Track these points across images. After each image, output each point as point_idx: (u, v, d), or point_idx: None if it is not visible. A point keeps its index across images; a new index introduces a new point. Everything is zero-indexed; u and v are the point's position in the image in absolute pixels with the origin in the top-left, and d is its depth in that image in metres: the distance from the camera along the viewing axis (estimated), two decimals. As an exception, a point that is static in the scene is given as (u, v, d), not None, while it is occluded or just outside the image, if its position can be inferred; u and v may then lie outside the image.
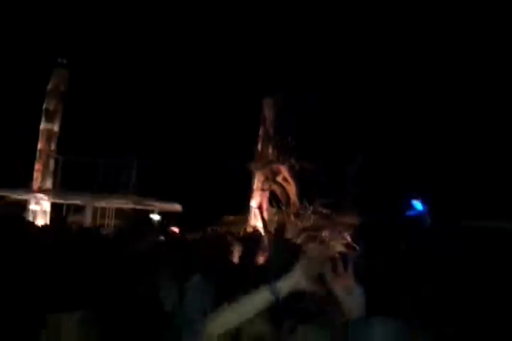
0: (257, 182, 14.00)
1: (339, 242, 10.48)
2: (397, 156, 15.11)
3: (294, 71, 15.35)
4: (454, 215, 12.21)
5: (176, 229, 9.07)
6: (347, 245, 10.02)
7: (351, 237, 10.90)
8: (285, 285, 1.64)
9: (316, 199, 12.65)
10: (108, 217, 13.05)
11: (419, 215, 13.43)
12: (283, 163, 13.74)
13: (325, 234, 11.39)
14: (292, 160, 13.68)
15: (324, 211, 12.38)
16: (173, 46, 18.38)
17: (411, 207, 14.10)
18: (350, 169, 13.34)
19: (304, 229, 11.39)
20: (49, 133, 13.54)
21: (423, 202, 13.25)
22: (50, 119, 13.60)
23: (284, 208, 13.21)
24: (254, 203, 13.78)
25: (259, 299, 1.61)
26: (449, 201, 13.89)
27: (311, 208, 12.61)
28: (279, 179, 13.93)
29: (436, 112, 16.09)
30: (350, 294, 1.62)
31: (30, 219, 11.35)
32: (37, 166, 13.18)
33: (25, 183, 12.77)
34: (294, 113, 14.32)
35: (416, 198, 13.76)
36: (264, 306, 1.58)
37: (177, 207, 12.44)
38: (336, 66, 16.42)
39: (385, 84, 16.46)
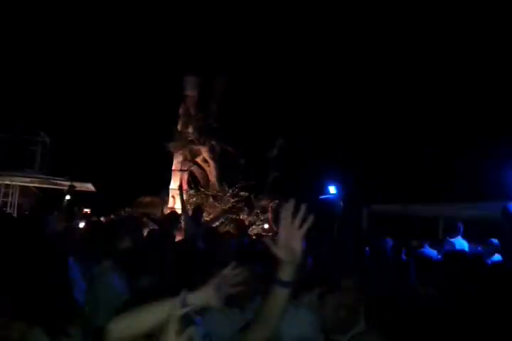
0: (175, 163, 13.64)
1: (256, 225, 10.63)
2: (318, 141, 15.53)
3: (218, 50, 15.07)
4: (365, 200, 12.91)
5: (87, 211, 8.62)
6: (265, 228, 10.18)
7: (269, 220, 11.09)
8: (196, 300, 1.55)
9: (235, 182, 12.65)
10: (12, 195, 12.05)
11: (333, 199, 13.97)
12: (203, 144, 13.51)
13: (243, 216, 11.47)
14: (213, 142, 13.50)
15: (243, 194, 12.44)
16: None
17: (326, 191, 14.62)
18: (270, 153, 13.51)
19: (223, 212, 11.37)
20: None
21: (337, 187, 13.77)
22: None
23: (203, 190, 13.06)
24: (172, 184, 13.45)
25: (163, 310, 1.48)
26: (362, 187, 14.61)
27: (230, 191, 12.60)
28: (199, 160, 13.71)
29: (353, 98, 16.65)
30: None
31: None
32: None
33: None
34: (216, 93, 14.05)
35: (331, 183, 14.28)
36: (168, 318, 1.41)
37: (89, 187, 11.79)
38: (258, 46, 16.37)
39: (305, 65, 16.68)
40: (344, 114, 16.56)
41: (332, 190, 14.10)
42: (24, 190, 12.50)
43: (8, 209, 10.71)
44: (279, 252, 1.52)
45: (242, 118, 13.68)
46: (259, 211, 12.01)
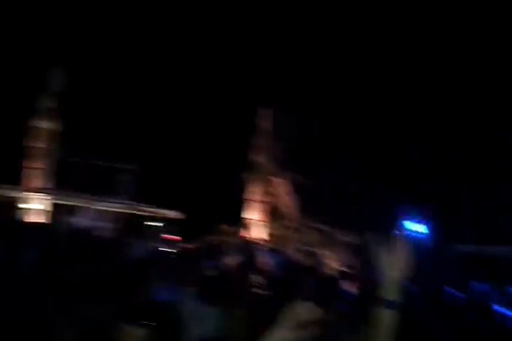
0: (250, 193, 13.70)
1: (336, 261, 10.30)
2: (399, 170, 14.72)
3: (291, 83, 15.17)
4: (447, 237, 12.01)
5: (175, 238, 8.91)
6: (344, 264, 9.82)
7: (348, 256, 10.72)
8: None
9: (315, 215, 12.47)
10: (105, 220, 12.82)
11: (421, 238, 13.19)
12: (279, 176, 13.53)
13: (323, 251, 11.20)
14: (290, 173, 13.46)
15: (324, 227, 12.21)
16: (172, 56, 18.35)
17: (407, 227, 13.84)
18: (350, 185, 13.19)
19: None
20: (48, 132, 13.34)
21: (427, 225, 12.91)
22: (47, 118, 13.38)
23: (283, 222, 13.01)
24: (246, 214, 13.50)
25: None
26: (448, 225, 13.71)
27: (311, 224, 12.42)
28: (276, 191, 13.71)
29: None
30: None
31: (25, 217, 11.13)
32: (34, 165, 12.95)
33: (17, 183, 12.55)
34: (291, 125, 14.02)
35: (413, 217, 13.51)
36: None
37: (177, 215, 12.27)
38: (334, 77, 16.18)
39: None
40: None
41: (417, 227, 13.35)
42: (116, 216, 13.26)
43: (99, 232, 11.40)
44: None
45: (318, 149, 13.54)
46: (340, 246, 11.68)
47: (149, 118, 18.15)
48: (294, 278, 5.17)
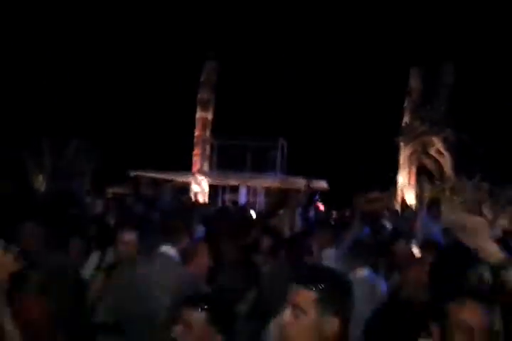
0: (403, 157, 13.30)
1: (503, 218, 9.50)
2: None
3: (440, 38, 14.06)
4: None
5: (321, 206, 9.20)
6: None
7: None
8: None
9: (474, 173, 11.56)
10: (258, 195, 13.82)
11: None
12: (436, 134, 12.81)
13: (485, 209, 10.41)
14: (447, 131, 12.68)
15: (485, 185, 11.27)
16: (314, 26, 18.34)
17: None
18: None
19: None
20: (204, 121, 14.71)
21: None
22: (204, 108, 14.74)
23: (438, 183, 12.36)
24: (400, 178, 13.17)
25: None
26: None
27: (470, 182, 11.58)
28: (432, 152, 13.04)
29: None
30: None
31: (193, 198, 12.58)
32: (195, 151, 14.49)
33: (185, 167, 14.15)
34: (446, 81, 13.14)
35: None
36: None
37: (323, 184, 12.53)
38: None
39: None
40: None
41: None
42: (268, 191, 14.12)
43: (256, 208, 12.40)
44: None
45: (477, 105, 12.42)
46: (503, 203, 10.69)
47: (293, 93, 18.66)
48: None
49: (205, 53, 14.84)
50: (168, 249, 3.33)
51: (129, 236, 3.31)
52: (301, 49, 19.12)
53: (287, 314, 1.55)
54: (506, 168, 11.26)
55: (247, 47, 18.32)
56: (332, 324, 1.53)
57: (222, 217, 6.73)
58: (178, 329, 1.77)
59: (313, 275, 1.62)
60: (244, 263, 3.36)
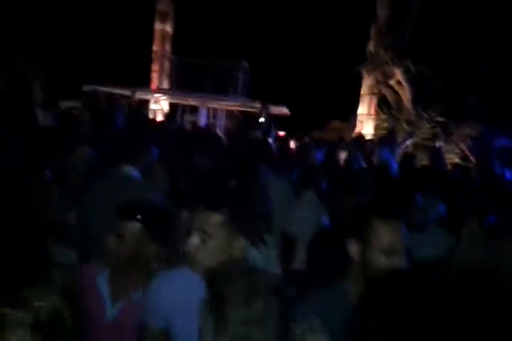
0: (365, 87, 13.30)
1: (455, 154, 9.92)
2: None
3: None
4: None
5: (281, 133, 9.22)
6: (463, 157, 9.47)
7: (469, 149, 10.24)
8: None
9: (431, 106, 11.82)
10: (218, 117, 13.64)
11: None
12: (398, 65, 12.77)
13: (439, 144, 10.82)
14: (408, 62, 12.65)
15: (440, 119, 11.59)
16: None
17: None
18: (473, 74, 12.05)
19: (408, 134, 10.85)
20: (163, 34, 13.85)
21: None
22: (163, 20, 13.80)
23: (395, 114, 12.59)
24: (360, 109, 13.29)
25: None
26: None
27: (426, 115, 11.87)
28: (392, 82, 13.09)
29: None
30: None
31: (151, 116, 12.24)
32: (153, 67, 13.80)
33: (143, 84, 13.55)
34: (412, 10, 12.86)
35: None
36: None
37: (284, 111, 12.48)
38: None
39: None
40: None
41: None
42: (228, 114, 13.93)
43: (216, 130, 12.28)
44: None
45: (440, 36, 12.31)
46: (457, 139, 11.12)
47: (257, 11, 17.70)
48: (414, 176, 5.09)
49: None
50: (130, 169, 3.20)
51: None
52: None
53: (195, 238, 1.60)
54: (463, 105, 11.56)
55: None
56: (240, 245, 1.62)
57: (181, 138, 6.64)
58: (111, 240, 1.78)
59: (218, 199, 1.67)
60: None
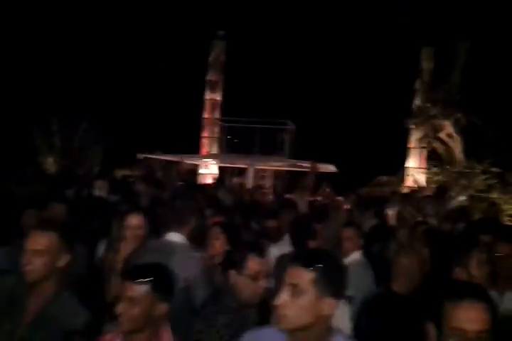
0: (413, 140, 13.18)
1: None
2: None
3: (453, 18, 13.74)
4: None
5: (328, 189, 9.17)
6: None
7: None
8: None
9: (485, 157, 11.44)
10: (266, 178, 13.85)
11: None
12: (447, 118, 12.63)
13: (496, 195, 10.34)
14: (458, 114, 12.50)
15: (495, 170, 11.16)
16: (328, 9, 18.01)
17: None
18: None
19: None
20: (213, 103, 14.62)
21: None
22: (213, 89, 14.63)
23: (448, 167, 12.26)
24: (410, 162, 13.09)
25: None
26: None
27: (480, 167, 11.47)
28: (442, 135, 12.89)
29: None
30: None
31: (201, 181, 12.61)
32: (204, 133, 14.46)
33: (194, 150, 14.17)
34: (458, 63, 12.92)
35: None
36: None
37: (331, 168, 12.49)
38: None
39: None
40: None
41: None
42: (276, 174, 14.12)
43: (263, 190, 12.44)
44: None
45: (489, 87, 12.18)
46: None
47: (302, 74, 18.45)
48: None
49: (214, 33, 14.61)
50: (174, 235, 3.19)
51: (137, 220, 3.16)
52: (313, 30, 18.82)
53: (285, 293, 1.56)
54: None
55: (257, 27, 18.07)
56: (329, 304, 1.56)
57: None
58: (121, 306, 1.81)
59: (311, 256, 1.65)
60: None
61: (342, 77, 18.10)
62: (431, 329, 1.73)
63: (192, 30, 17.07)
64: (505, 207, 8.87)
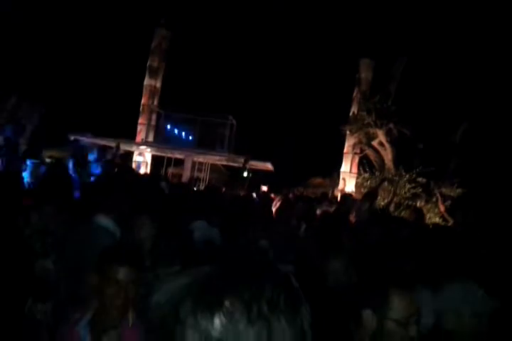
0: (348, 146, 13.64)
1: (435, 213, 9.98)
2: (503, 122, 13.68)
3: (393, 32, 14.37)
4: None
5: (264, 188, 9.22)
6: (443, 217, 9.53)
7: (447, 209, 10.33)
8: None
9: (412, 167, 12.07)
10: (204, 171, 13.67)
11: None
12: (380, 127, 13.16)
13: (420, 203, 10.92)
14: (391, 125, 13.06)
15: (421, 180, 11.80)
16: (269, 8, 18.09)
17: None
18: (453, 136, 12.48)
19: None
20: (152, 89, 14.18)
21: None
22: (152, 75, 14.20)
23: (377, 174, 12.79)
24: (343, 167, 13.53)
25: None
26: None
27: (407, 176, 12.08)
28: (375, 143, 13.44)
29: None
30: None
31: (135, 168, 12.16)
32: (140, 120, 13.98)
33: (129, 136, 13.66)
34: (395, 75, 13.54)
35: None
36: None
37: (268, 166, 12.59)
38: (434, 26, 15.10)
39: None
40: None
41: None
42: (213, 168, 13.99)
43: (200, 183, 12.28)
44: None
45: (422, 100, 12.89)
46: (438, 199, 11.26)
47: (245, 72, 18.41)
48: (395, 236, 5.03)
49: (157, 20, 14.26)
50: (104, 219, 3.14)
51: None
52: (256, 27, 18.80)
53: None
54: (442, 164, 11.85)
55: (202, 17, 17.78)
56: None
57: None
58: (108, 290, 1.84)
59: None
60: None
61: (287, 80, 18.34)
62: (368, 316, 1.76)
63: (138, 15, 16.45)
64: (428, 215, 9.37)
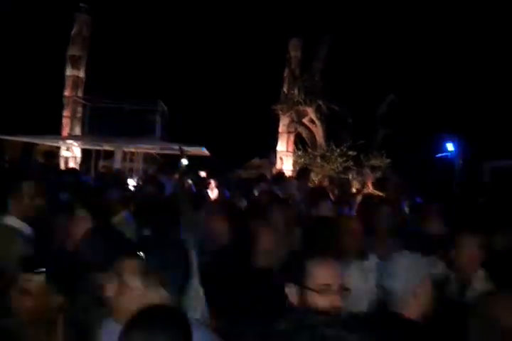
0: (282, 125, 13.82)
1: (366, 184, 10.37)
2: (429, 95, 14.49)
3: (321, 11, 14.61)
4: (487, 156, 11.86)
5: (203, 174, 9.18)
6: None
7: (378, 180, 10.76)
8: None
9: (343, 142, 12.47)
10: (136, 161, 13.34)
11: (451, 157, 13.09)
12: (310, 105, 13.42)
13: (352, 176, 11.33)
14: (319, 102, 13.35)
15: (351, 153, 12.23)
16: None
17: (442, 148, 13.74)
18: (380, 109, 12.97)
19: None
20: (75, 80, 13.53)
21: (455, 143, 12.86)
22: (75, 66, 13.53)
23: (310, 151, 13.10)
24: (279, 146, 13.72)
25: None
26: (483, 141, 13.41)
27: (338, 150, 12.47)
28: (306, 121, 13.70)
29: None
30: None
31: (62, 165, 11.66)
32: (65, 113, 13.33)
33: (54, 130, 13.02)
34: (320, 54, 13.78)
35: (448, 139, 13.37)
36: None
37: (204, 152, 12.51)
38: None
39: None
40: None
41: (450, 147, 13.20)
42: (146, 157, 13.68)
43: (133, 174, 11.97)
44: None
45: (348, 76, 13.23)
46: (369, 170, 11.72)
47: (173, 55, 18.02)
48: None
49: (77, 5, 13.50)
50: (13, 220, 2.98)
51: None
52: (183, 9, 18.41)
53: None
54: (371, 137, 12.34)
55: (126, 3, 17.13)
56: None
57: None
58: (14, 297, 1.74)
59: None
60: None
61: (216, 61, 18.13)
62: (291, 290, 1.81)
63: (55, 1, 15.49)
64: (359, 186, 9.75)
